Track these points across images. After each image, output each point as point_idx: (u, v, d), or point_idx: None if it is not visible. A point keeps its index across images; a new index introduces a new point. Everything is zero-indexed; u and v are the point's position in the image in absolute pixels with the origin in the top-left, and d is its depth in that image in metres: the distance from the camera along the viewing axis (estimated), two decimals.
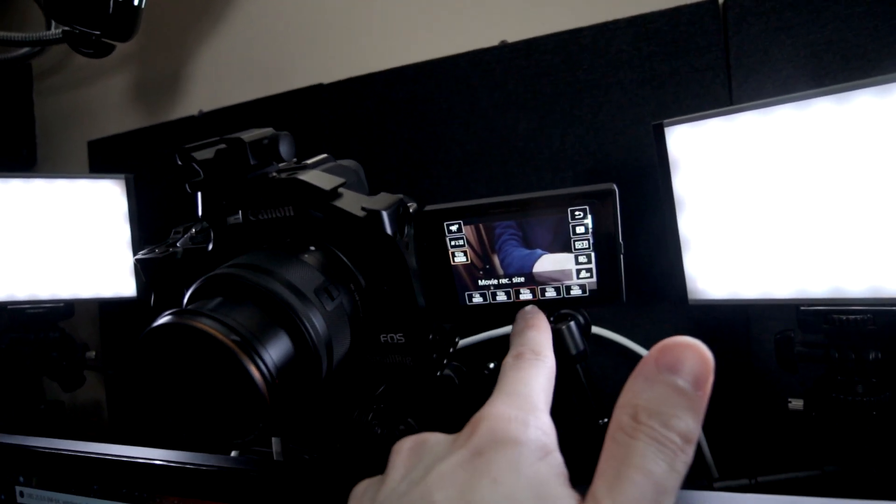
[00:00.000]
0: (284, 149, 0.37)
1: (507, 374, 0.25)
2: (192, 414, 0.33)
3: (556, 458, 0.20)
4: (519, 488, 0.18)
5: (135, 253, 0.82)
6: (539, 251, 0.43)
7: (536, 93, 0.73)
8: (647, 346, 0.67)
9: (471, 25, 0.79)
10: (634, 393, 0.19)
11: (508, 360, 0.26)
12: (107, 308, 1.05)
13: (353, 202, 0.36)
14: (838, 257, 0.46)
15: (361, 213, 0.35)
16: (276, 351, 0.32)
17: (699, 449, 0.64)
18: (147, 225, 0.86)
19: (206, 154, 0.38)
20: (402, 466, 0.22)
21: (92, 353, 0.89)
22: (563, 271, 0.43)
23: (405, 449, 0.23)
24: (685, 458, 0.18)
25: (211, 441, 0.34)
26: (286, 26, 0.92)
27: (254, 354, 0.31)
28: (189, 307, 0.33)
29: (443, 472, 0.19)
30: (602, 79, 0.70)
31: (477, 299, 0.46)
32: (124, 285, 0.84)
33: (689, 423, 0.18)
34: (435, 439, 0.22)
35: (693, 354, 0.18)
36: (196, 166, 0.38)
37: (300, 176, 0.37)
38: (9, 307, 0.83)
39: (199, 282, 0.35)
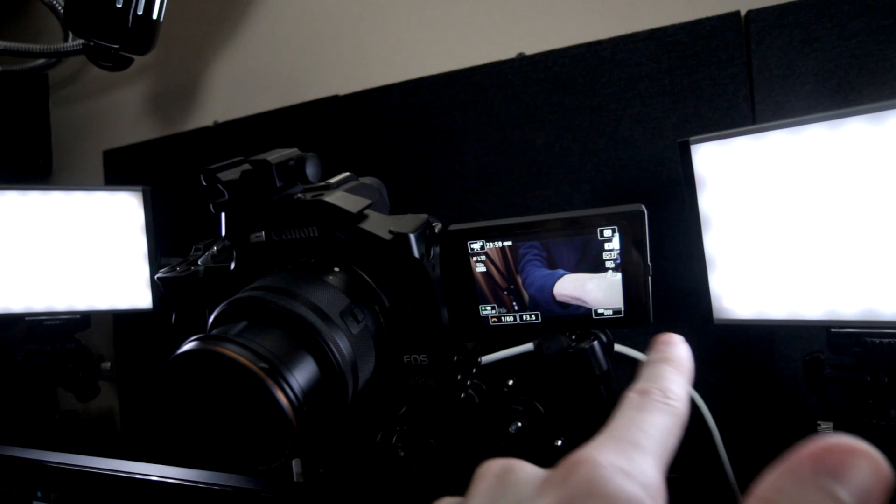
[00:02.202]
0: (311, 170, 0.36)
1: (623, 413, 0.21)
2: (217, 439, 0.33)
3: None
4: None
5: (151, 265, 0.82)
6: (561, 271, 0.43)
7: (555, 106, 0.73)
8: None
9: (488, 37, 0.79)
10: (777, 491, 0.15)
11: (631, 395, 0.22)
12: (121, 319, 1.06)
13: (379, 224, 0.36)
14: (870, 278, 0.45)
15: (388, 236, 0.35)
16: (302, 376, 0.32)
17: (724, 473, 0.63)
18: (163, 236, 0.86)
19: (231, 175, 0.38)
20: (487, 495, 0.20)
21: (107, 365, 0.89)
22: (583, 290, 0.43)
23: (491, 475, 0.20)
24: None
25: (236, 466, 0.33)
26: (301, 38, 0.92)
27: (281, 381, 0.30)
28: (214, 332, 0.32)
29: None
30: (622, 92, 0.69)
31: (501, 319, 0.45)
32: (140, 297, 0.84)
33: None
34: (524, 472, 0.20)
35: (865, 464, 0.15)
36: (221, 187, 0.38)
37: (326, 198, 0.36)
38: (26, 318, 0.83)
39: (223, 305, 0.35)
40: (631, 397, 0.21)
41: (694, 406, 0.65)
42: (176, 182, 1.00)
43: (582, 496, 0.17)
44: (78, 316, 0.84)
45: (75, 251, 0.82)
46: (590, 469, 0.18)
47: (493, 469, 0.20)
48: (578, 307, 0.43)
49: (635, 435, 0.20)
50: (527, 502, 0.18)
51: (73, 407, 0.95)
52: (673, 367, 0.23)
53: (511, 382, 0.58)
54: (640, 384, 0.22)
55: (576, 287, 0.43)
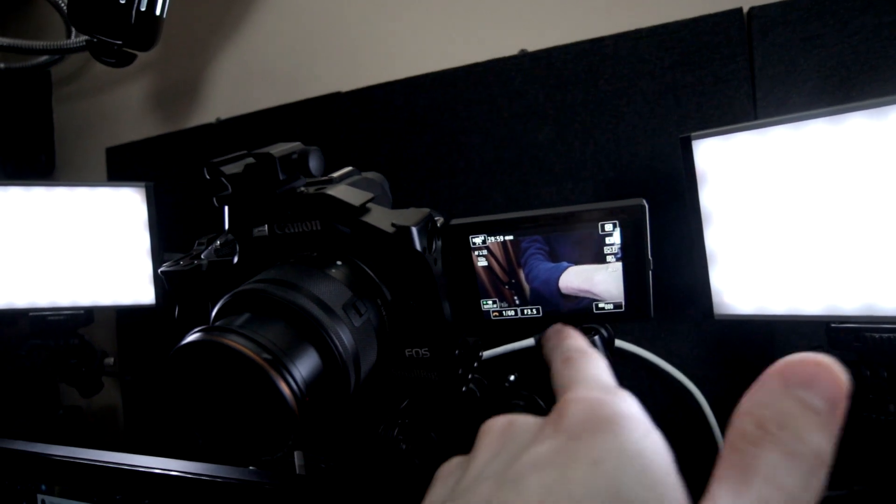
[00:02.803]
0: (313, 163, 0.36)
1: (563, 373, 0.23)
2: (220, 430, 0.33)
3: (658, 436, 0.18)
4: (622, 469, 0.16)
5: (154, 261, 0.83)
6: (565, 264, 0.43)
7: (557, 102, 0.73)
8: (670, 360, 0.67)
9: (491, 34, 0.79)
10: (757, 403, 0.17)
11: (556, 366, 0.24)
12: (123, 315, 1.06)
13: (381, 218, 0.36)
14: (871, 274, 0.45)
15: (391, 229, 0.35)
16: (305, 367, 0.32)
17: None
18: (166, 233, 0.86)
19: (235, 168, 0.38)
20: (491, 448, 0.20)
21: (110, 360, 0.89)
22: (591, 282, 0.43)
23: (495, 429, 0.21)
24: (819, 478, 0.16)
25: (239, 457, 0.34)
26: (304, 35, 0.92)
27: (284, 371, 0.30)
28: (218, 323, 0.33)
29: (538, 454, 0.18)
30: (624, 88, 0.70)
31: (503, 314, 0.46)
32: (143, 293, 0.84)
33: (823, 443, 0.16)
34: (524, 421, 0.21)
35: (827, 374, 0.17)
36: (224, 180, 0.38)
37: (329, 191, 0.36)
38: (30, 314, 0.84)
39: (226, 297, 0.35)
40: (558, 367, 0.23)
41: (694, 401, 0.66)
42: (179, 178, 1.00)
43: (584, 428, 0.18)
44: (81, 311, 0.85)
45: (79, 247, 0.83)
46: (581, 405, 0.19)
47: (495, 425, 0.21)
48: (580, 301, 0.43)
49: (590, 374, 0.22)
50: (534, 445, 0.18)
51: (76, 402, 0.95)
52: (571, 339, 0.26)
53: (513, 378, 0.58)
54: (556, 361, 0.24)
55: (583, 279, 0.43)
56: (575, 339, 0.26)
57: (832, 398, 0.16)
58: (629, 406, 0.19)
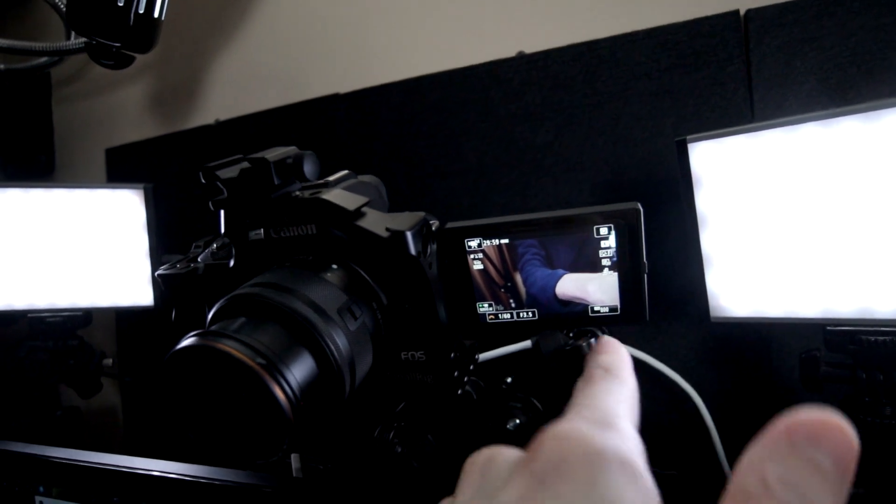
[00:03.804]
0: (308, 168, 0.37)
1: (575, 394, 0.21)
2: (215, 434, 0.33)
3: (646, 484, 0.16)
4: None
5: (153, 262, 0.83)
6: (561, 271, 0.43)
7: (554, 104, 0.73)
8: (667, 362, 0.67)
9: (488, 36, 0.79)
10: (761, 459, 0.16)
11: (578, 383, 0.22)
12: (122, 316, 1.06)
13: (376, 222, 0.36)
14: (866, 277, 0.46)
15: (385, 234, 0.35)
16: (299, 371, 0.32)
17: (721, 470, 0.64)
18: (165, 234, 0.86)
19: (230, 172, 0.38)
20: (471, 487, 0.19)
21: (109, 361, 0.90)
22: (585, 290, 0.43)
23: (476, 466, 0.20)
24: None
25: (234, 461, 0.34)
26: (302, 36, 0.92)
27: (278, 376, 0.30)
28: (213, 328, 0.33)
29: (506, 499, 0.16)
30: (620, 91, 0.70)
31: (499, 317, 0.46)
32: (142, 295, 0.84)
33: None
34: (503, 458, 0.19)
35: (836, 433, 0.15)
36: (220, 185, 0.38)
37: (324, 195, 0.37)
38: (28, 315, 0.84)
39: (222, 301, 0.35)
40: (578, 385, 0.22)
41: (691, 404, 0.66)
42: (178, 180, 1.00)
43: (554, 470, 0.16)
44: (80, 313, 0.85)
45: (77, 248, 0.83)
46: (558, 440, 0.17)
47: (477, 461, 0.20)
48: (576, 305, 0.43)
49: (593, 402, 0.20)
50: (502, 489, 0.17)
51: (75, 403, 0.95)
52: (608, 355, 0.24)
53: (509, 380, 0.58)
54: (583, 375, 0.23)
55: (577, 287, 0.43)
56: (610, 356, 0.24)
57: (841, 458, 0.15)
58: (618, 446, 0.17)
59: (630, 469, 0.16)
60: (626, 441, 0.17)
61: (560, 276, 0.42)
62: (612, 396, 0.21)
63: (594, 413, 0.19)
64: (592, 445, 0.16)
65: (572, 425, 0.18)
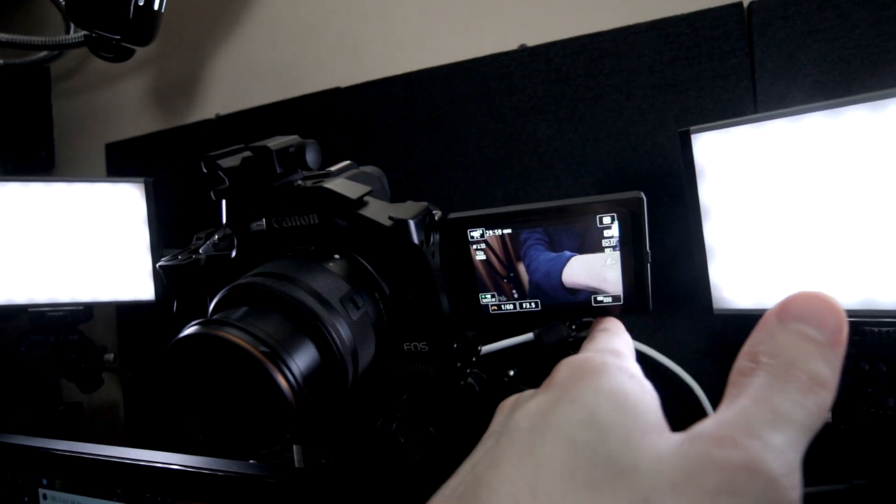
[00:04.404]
0: (311, 157, 0.36)
1: (582, 348, 0.26)
2: (218, 423, 0.33)
3: (642, 380, 0.20)
4: (598, 401, 0.18)
5: (154, 257, 0.83)
6: (568, 253, 0.43)
7: (556, 97, 0.73)
8: (669, 354, 0.67)
9: (490, 29, 0.79)
10: (754, 343, 0.18)
11: (582, 343, 0.27)
12: (123, 311, 1.06)
13: (379, 211, 0.36)
14: (870, 268, 0.45)
15: (388, 223, 0.35)
16: (302, 360, 0.32)
17: None
18: (165, 228, 0.86)
19: (232, 162, 0.38)
20: (499, 418, 0.23)
21: (110, 356, 0.90)
22: (594, 274, 0.42)
23: (506, 405, 0.24)
24: (817, 398, 0.16)
25: (237, 450, 0.34)
26: (303, 30, 0.92)
27: (281, 364, 0.30)
28: (215, 317, 0.33)
29: (528, 408, 0.20)
30: (623, 83, 0.69)
31: (501, 308, 0.45)
32: (143, 289, 0.84)
33: (821, 367, 0.16)
34: (527, 393, 0.23)
35: (823, 306, 0.17)
36: (221, 174, 0.38)
37: (326, 184, 0.36)
38: (29, 310, 0.84)
39: (224, 290, 0.35)
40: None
41: (693, 395, 0.66)
42: (178, 174, 1.00)
43: (569, 380, 0.20)
44: (81, 307, 0.85)
45: (78, 243, 0.83)
46: (570, 364, 0.21)
47: (506, 402, 0.24)
48: (579, 294, 0.43)
49: (596, 343, 0.25)
50: (522, 407, 0.21)
51: (76, 398, 0.95)
52: (607, 333, 0.29)
53: (512, 373, 0.58)
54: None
55: (586, 270, 0.42)
56: (608, 323, 0.30)
57: (830, 327, 0.17)
58: (619, 360, 0.21)
59: (629, 371, 0.20)
60: (626, 360, 0.21)
61: (567, 259, 0.42)
62: (612, 341, 0.25)
63: (597, 346, 0.24)
64: (598, 359, 0.21)
65: (581, 355, 0.22)
